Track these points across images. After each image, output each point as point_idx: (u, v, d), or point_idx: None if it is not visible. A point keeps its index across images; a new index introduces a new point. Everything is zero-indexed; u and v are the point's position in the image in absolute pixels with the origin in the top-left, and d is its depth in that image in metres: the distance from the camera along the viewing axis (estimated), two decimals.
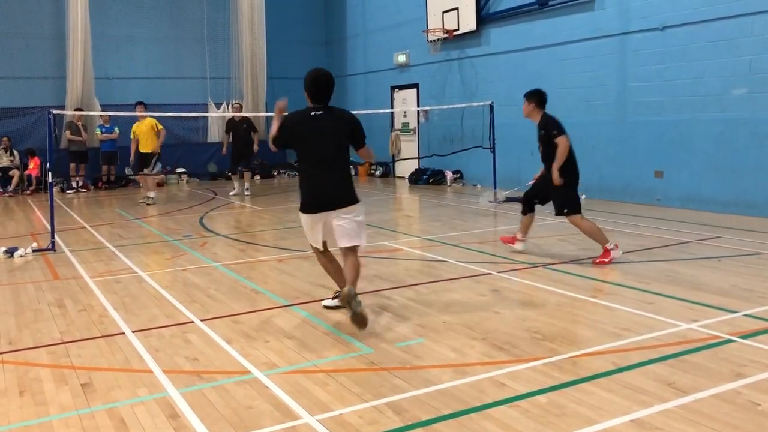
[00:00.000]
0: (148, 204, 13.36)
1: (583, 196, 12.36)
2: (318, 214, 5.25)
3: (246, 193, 14.61)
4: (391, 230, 9.79)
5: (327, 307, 5.66)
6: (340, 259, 5.44)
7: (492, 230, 9.72)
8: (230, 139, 14.97)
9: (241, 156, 14.77)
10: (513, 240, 7.83)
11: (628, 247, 7.93)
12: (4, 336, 5.18)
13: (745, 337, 4.65)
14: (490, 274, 6.79)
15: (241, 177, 15.06)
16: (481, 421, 3.48)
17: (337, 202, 5.23)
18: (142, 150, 13.43)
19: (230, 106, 14.60)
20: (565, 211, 7.19)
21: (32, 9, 17.41)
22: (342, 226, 5.21)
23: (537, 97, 7.32)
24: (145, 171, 13.44)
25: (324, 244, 5.44)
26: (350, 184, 5.35)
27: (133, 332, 5.14)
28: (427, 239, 8.92)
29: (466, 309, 5.55)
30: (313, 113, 5.28)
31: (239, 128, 14.77)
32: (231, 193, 14.86)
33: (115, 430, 3.52)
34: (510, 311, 5.46)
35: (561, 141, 6.95)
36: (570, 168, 7.06)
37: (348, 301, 4.87)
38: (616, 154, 12.02)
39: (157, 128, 13.45)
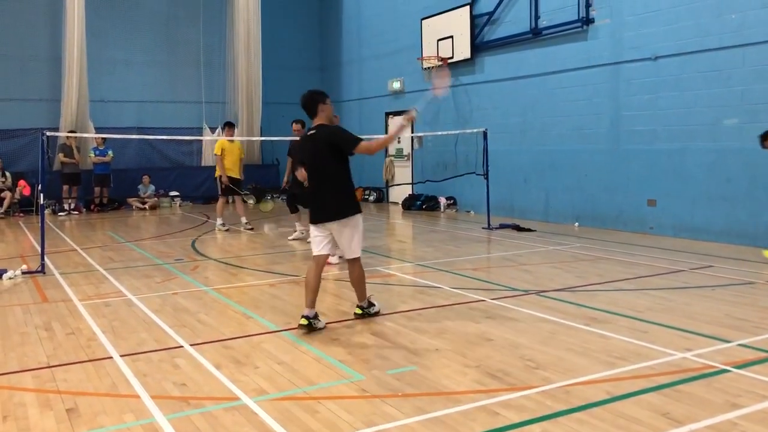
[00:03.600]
0: (248, 229, 12.51)
1: (576, 224, 12.51)
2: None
3: (300, 235, 11.14)
4: (384, 256, 9.75)
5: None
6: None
7: (485, 257, 9.69)
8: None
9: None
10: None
11: (621, 275, 7.92)
12: None
13: (739, 367, 4.61)
14: (483, 300, 6.74)
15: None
16: None
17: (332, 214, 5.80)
18: (232, 174, 12.31)
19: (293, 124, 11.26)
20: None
21: (28, 31, 17.49)
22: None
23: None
24: (236, 197, 12.86)
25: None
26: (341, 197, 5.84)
27: (121, 356, 5.07)
28: (420, 265, 8.88)
29: (458, 336, 5.50)
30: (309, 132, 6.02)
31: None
32: (291, 237, 11.30)
33: None
34: (503, 339, 5.41)
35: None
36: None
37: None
38: (608, 183, 12.07)
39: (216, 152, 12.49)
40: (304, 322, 5.60)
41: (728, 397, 4.07)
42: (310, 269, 5.86)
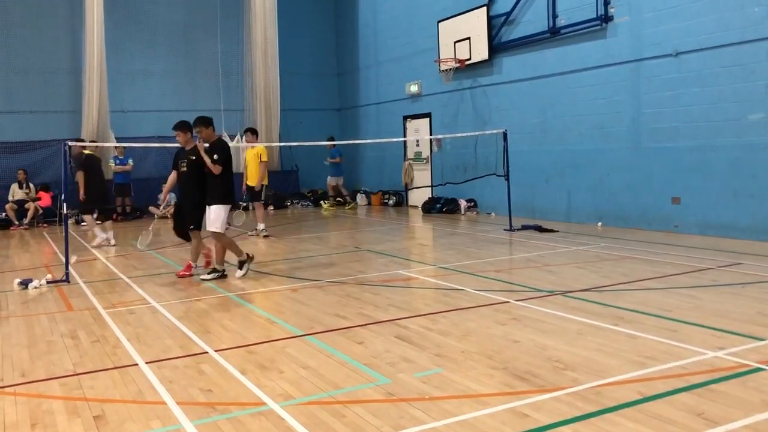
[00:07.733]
0: (264, 236, 12.61)
1: (599, 224, 12.38)
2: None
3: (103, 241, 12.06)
4: (404, 259, 9.70)
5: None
6: None
7: (508, 258, 9.61)
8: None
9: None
10: (189, 269, 8.83)
11: (647, 274, 7.80)
12: (17, 368, 5.12)
13: None
14: (507, 302, 6.67)
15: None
16: None
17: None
18: (249, 182, 12.72)
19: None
20: (192, 227, 8.70)
21: (49, 45, 17.71)
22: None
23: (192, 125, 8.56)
24: (254, 203, 13.05)
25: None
26: None
27: (146, 363, 5.07)
28: (442, 267, 8.82)
29: (484, 338, 5.44)
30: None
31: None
32: (94, 244, 12.09)
33: None
34: (529, 340, 5.34)
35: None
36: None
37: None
38: (631, 181, 11.92)
39: (261, 159, 12.56)
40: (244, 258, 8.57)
41: (764, 396, 3.97)
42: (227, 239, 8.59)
